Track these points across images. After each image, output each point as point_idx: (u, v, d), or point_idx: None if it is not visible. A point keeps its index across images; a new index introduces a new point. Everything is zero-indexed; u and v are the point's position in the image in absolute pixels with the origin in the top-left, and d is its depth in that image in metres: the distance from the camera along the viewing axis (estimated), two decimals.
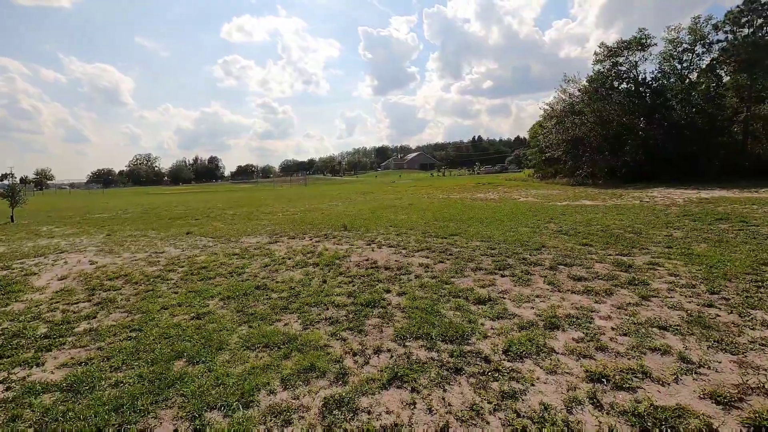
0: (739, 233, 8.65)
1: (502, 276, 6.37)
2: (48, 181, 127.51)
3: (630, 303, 4.90)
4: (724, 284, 5.35)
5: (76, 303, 6.24)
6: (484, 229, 10.72)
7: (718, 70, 29.18)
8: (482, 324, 4.55)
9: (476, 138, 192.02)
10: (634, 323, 4.30)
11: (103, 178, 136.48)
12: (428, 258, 7.81)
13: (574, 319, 4.49)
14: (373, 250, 8.79)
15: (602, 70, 31.23)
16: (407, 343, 4.19)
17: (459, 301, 5.32)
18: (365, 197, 25.87)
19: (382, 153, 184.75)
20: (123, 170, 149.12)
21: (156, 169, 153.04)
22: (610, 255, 7.30)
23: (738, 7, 27.14)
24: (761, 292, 4.98)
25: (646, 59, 30.04)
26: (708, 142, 27.03)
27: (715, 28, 28.18)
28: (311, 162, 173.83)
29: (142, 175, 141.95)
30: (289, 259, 8.38)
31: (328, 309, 5.40)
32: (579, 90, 32.67)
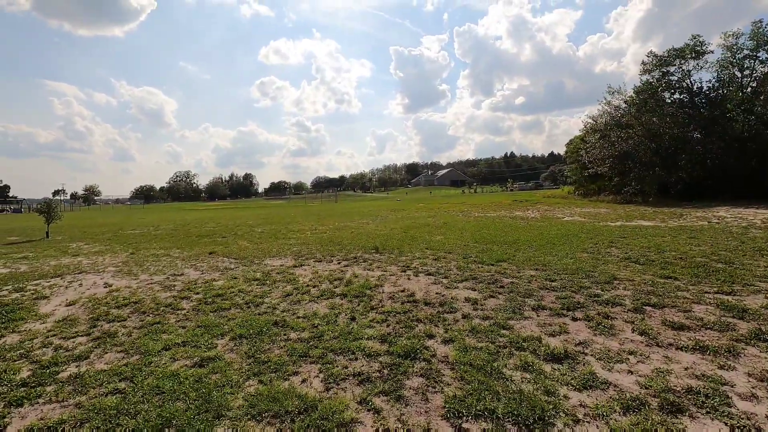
0: None
1: (574, 319, 5.09)
2: (95, 197, 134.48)
3: None
4: None
5: (73, 337, 5.45)
6: (535, 254, 9.39)
7: None
8: (566, 397, 3.33)
9: (508, 154, 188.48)
10: None
11: (144, 194, 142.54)
12: (475, 290, 6.61)
13: (702, 398, 3.19)
14: (408, 278, 7.67)
15: (651, 80, 29.17)
16: (465, 425, 3.03)
17: (525, 355, 4.11)
18: (396, 214, 24.83)
19: (412, 170, 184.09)
20: (164, 186, 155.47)
21: (194, 185, 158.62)
22: (707, 293, 5.86)
23: None
24: None
25: (701, 68, 27.83)
26: None
27: None
28: (342, 179, 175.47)
29: (180, 191, 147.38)
30: (314, 287, 7.38)
31: (357, 359, 4.33)
32: (625, 102, 30.66)
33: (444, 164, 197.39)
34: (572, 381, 3.57)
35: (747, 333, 4.34)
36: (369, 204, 46.56)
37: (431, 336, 4.79)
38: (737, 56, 27.11)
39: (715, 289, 6.02)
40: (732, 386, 3.34)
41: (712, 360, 3.82)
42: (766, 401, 3.12)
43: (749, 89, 27.21)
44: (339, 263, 9.48)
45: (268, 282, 7.92)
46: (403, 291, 6.79)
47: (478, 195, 63.21)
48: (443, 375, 3.84)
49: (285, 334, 5.15)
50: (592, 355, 4.07)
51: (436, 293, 6.56)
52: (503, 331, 4.78)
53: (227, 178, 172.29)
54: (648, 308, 5.33)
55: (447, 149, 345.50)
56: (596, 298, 5.81)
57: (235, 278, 8.40)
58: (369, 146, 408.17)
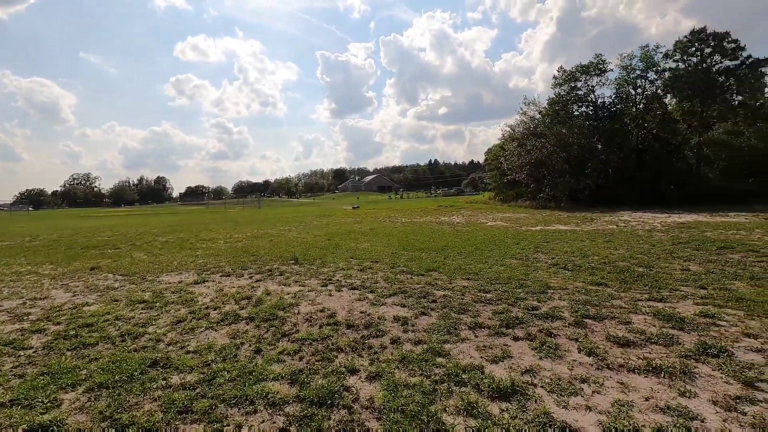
0: (765, 266, 7.38)
1: (515, 339, 4.50)
2: None
3: (737, 397, 3.15)
4: None
5: None
6: (465, 261, 8.93)
7: (669, 97, 30.10)
8: None
9: (432, 161, 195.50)
10: None
11: (32, 199, 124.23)
12: (405, 307, 5.83)
13: None
14: (330, 294, 6.69)
15: (562, 93, 31.36)
16: None
17: (467, 393, 3.37)
18: (322, 221, 23.67)
19: (339, 175, 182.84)
20: (57, 190, 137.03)
21: (96, 189, 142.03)
22: (640, 301, 5.66)
23: (686, 36, 28.21)
24: None
25: (603, 84, 30.50)
26: (665, 166, 27.39)
27: (666, 56, 29.12)
28: (267, 183, 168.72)
29: (79, 195, 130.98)
30: (215, 309, 6.11)
31: (256, 411, 3.29)
32: (540, 113, 32.63)
33: (371, 170, 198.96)
34: (526, 427, 2.87)
35: (693, 347, 4.03)
36: (294, 210, 44.68)
37: (354, 371, 3.88)
38: (631, 75, 30.14)
39: (646, 296, 5.86)
40: (702, 421, 2.86)
41: (670, 385, 3.37)
42: None
43: (641, 105, 30.35)
44: (251, 278, 8.21)
45: (157, 305, 6.46)
46: (322, 311, 5.80)
47: (404, 201, 63.93)
48: (368, 429, 2.95)
49: (165, 379, 3.93)
50: (542, 386, 3.44)
51: (361, 312, 5.67)
52: (439, 360, 4.02)
53: (136, 182, 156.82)
54: (588, 321, 4.93)
55: (374, 155, 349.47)
56: (535, 312, 5.32)
57: (116, 301, 6.80)
58: (295, 151, 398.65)
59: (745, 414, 2.92)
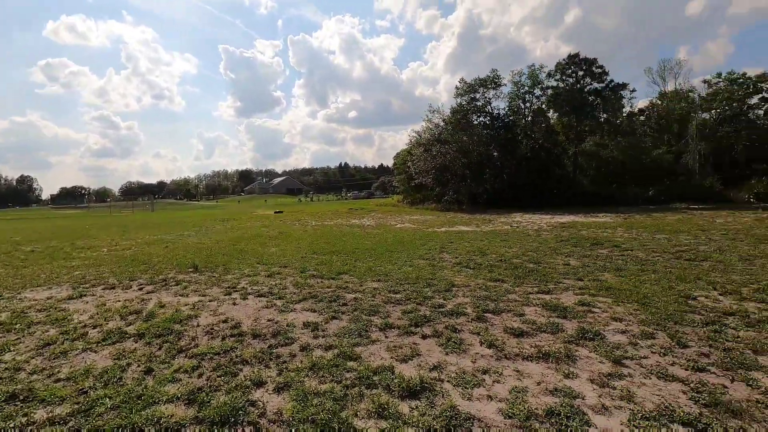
0: (625, 259, 8.65)
1: (424, 337, 4.64)
2: None
3: (609, 374, 3.60)
4: (681, 330, 4.51)
5: None
6: (376, 263, 9.04)
7: (551, 112, 34.03)
8: None
9: (343, 164, 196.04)
10: (645, 417, 2.93)
11: None
12: (315, 312, 5.69)
13: (564, 420, 2.93)
14: (234, 303, 6.27)
15: (463, 103, 33.63)
16: None
17: (378, 395, 3.37)
18: (226, 225, 22.25)
19: (245, 177, 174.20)
20: None
21: None
22: (531, 294, 6.24)
23: (564, 60, 32.20)
24: (726, 339, 4.22)
25: (498, 97, 33.40)
26: (549, 173, 30.87)
27: (548, 75, 32.94)
28: (162, 185, 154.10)
29: None
30: (96, 327, 5.34)
31: None
32: (444, 120, 34.58)
33: (280, 172, 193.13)
34: (435, 423, 2.95)
35: (574, 334, 4.54)
36: (194, 214, 41.38)
37: (260, 383, 3.66)
38: (521, 91, 33.51)
39: (536, 289, 6.48)
40: (583, 398, 3.22)
41: (557, 368, 3.74)
42: (615, 411, 3.04)
43: (529, 118, 33.88)
44: (141, 289, 7.35)
45: (17, 326, 5.46)
46: (226, 321, 5.40)
47: (314, 203, 63.09)
48: None
49: (26, 415, 3.31)
50: (449, 381, 3.59)
51: (269, 320, 5.40)
52: (350, 363, 3.98)
53: None
54: (489, 315, 5.29)
55: (283, 157, 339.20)
56: (441, 309, 5.56)
57: None
58: (195, 149, 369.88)
59: (615, 389, 3.35)
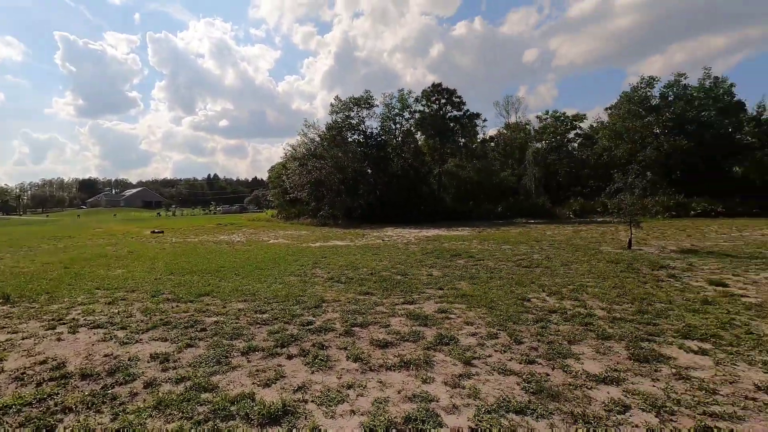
0: (478, 268, 9.71)
1: (289, 357, 4.47)
2: None
3: (460, 375, 3.92)
4: (518, 329, 5.19)
5: None
6: (243, 282, 8.49)
7: (419, 134, 36.96)
8: None
9: (212, 176, 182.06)
10: (487, 411, 3.26)
11: None
12: (167, 341, 5.05)
13: (420, 425, 3.08)
14: (59, 339, 5.20)
15: (338, 120, 34.33)
16: None
17: (234, 427, 3.11)
18: (59, 244, 18.59)
19: (88, 187, 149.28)
20: None
21: None
22: (397, 305, 6.54)
23: (429, 88, 35.40)
24: (550, 333, 4.99)
25: (371, 117, 34.97)
26: (417, 190, 33.29)
27: (416, 100, 35.81)
28: None
29: None
30: None
31: None
32: (319, 136, 34.75)
33: (135, 182, 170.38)
34: None
35: (433, 339, 4.87)
36: (14, 231, 33.72)
37: None
38: (392, 112, 35.71)
39: (402, 299, 6.83)
40: (438, 401, 3.44)
41: (416, 375, 3.95)
42: (464, 409, 3.31)
43: (400, 138, 36.23)
44: None
45: None
46: (44, 362, 4.44)
47: (177, 218, 57.01)
48: None
49: None
50: (313, 401, 3.49)
51: (106, 355, 4.60)
52: (205, 395, 3.60)
53: None
54: (356, 329, 5.36)
55: (139, 165, 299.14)
56: (309, 327, 5.45)
57: None
58: (18, 152, 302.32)
59: (464, 388, 3.67)
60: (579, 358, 4.26)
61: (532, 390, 3.58)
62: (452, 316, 5.87)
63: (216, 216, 61.73)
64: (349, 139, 34.74)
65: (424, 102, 35.70)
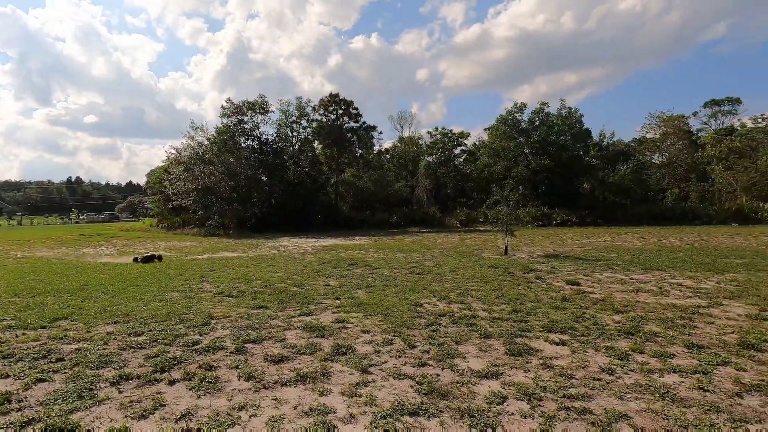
0: (374, 277, 9.95)
1: (171, 383, 4.04)
2: None
3: (357, 384, 3.96)
4: (411, 333, 5.42)
5: None
6: (113, 301, 7.45)
7: (317, 143, 36.77)
8: None
9: (74, 179, 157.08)
10: (383, 416, 3.34)
11: None
12: (9, 377, 4.19)
13: None
14: None
15: (229, 124, 32.44)
16: None
17: None
18: None
19: None
20: None
21: None
22: (293, 317, 6.36)
23: (327, 97, 35.53)
24: (440, 335, 5.32)
25: (266, 122, 33.77)
26: (314, 199, 32.99)
27: (313, 109, 35.63)
28: None
29: None
30: None
31: None
32: (208, 139, 32.40)
33: None
34: None
35: (330, 350, 4.84)
36: None
37: None
38: (289, 120, 34.98)
39: (299, 312, 6.66)
40: (335, 412, 3.42)
41: (313, 388, 3.89)
42: (360, 417, 3.35)
43: (297, 146, 35.62)
44: None
45: None
46: None
47: (24, 228, 47.94)
48: None
49: None
50: (199, 428, 3.20)
51: None
52: None
53: None
54: (249, 345, 5.07)
55: None
56: (195, 347, 5.00)
57: None
58: None
59: (361, 396, 3.71)
60: (465, 357, 4.62)
61: (424, 391, 3.77)
62: (349, 325, 5.91)
63: (78, 225, 53.43)
64: (243, 145, 33.08)
65: (321, 111, 35.74)
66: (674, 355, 4.62)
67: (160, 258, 14.05)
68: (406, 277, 9.90)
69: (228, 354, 4.80)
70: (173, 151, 33.78)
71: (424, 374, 4.15)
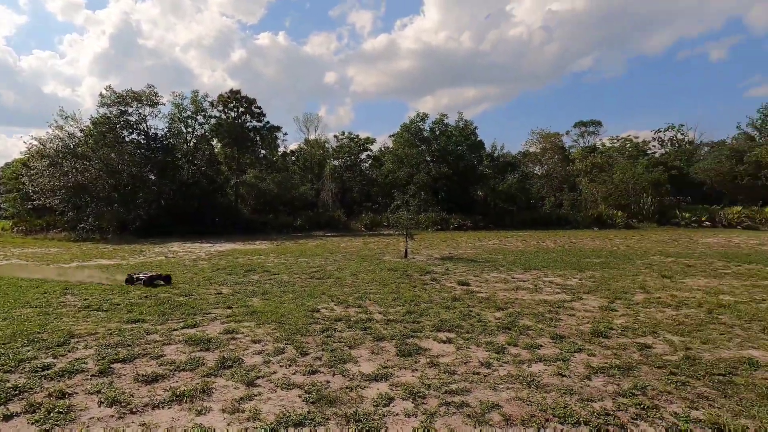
0: (272, 283, 9.56)
1: (7, 417, 3.38)
2: None
3: (241, 398, 3.71)
4: (305, 341, 5.28)
5: None
6: None
7: (216, 141, 34.39)
8: None
9: None
10: (265, 430, 3.17)
11: None
12: None
13: None
14: None
15: (109, 115, 28.73)
16: None
17: None
18: None
19: None
20: None
21: None
22: (175, 330, 5.79)
23: (227, 93, 33.45)
24: (334, 341, 5.27)
25: (156, 116, 30.58)
26: (211, 201, 30.74)
27: (211, 105, 33.22)
28: None
29: None
30: None
31: None
32: (81, 131, 28.31)
33: None
34: None
35: (214, 364, 4.50)
36: None
37: None
38: (183, 114, 32.18)
39: (182, 324, 6.09)
40: (214, 431, 3.17)
41: (190, 408, 3.56)
42: None
43: (192, 144, 32.92)
44: None
45: None
46: None
47: None
48: None
49: None
50: None
51: None
52: None
53: None
54: (117, 365, 4.48)
55: None
56: (46, 372, 4.27)
57: None
58: None
59: (244, 411, 3.50)
60: (357, 361, 4.64)
61: (312, 400, 3.68)
62: (239, 335, 5.57)
63: None
64: (127, 139, 29.56)
65: (220, 108, 33.50)
66: (541, 345, 5.19)
67: (168, 279, 9.63)
68: (306, 282, 9.70)
69: (89, 377, 4.18)
70: (35, 143, 28.88)
71: (314, 382, 4.06)
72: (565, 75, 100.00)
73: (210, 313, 6.80)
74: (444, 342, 5.32)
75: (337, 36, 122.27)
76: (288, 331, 5.68)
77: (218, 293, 8.38)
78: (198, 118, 32.90)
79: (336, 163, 45.26)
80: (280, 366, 4.50)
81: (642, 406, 3.56)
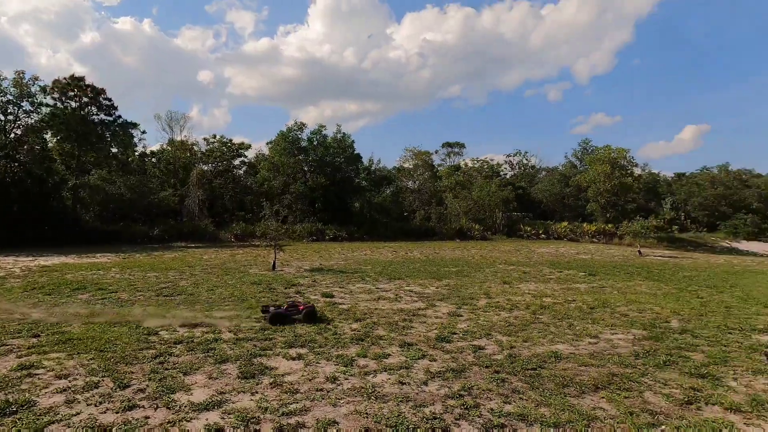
0: (105, 303, 8.20)
1: None
2: None
3: None
4: (130, 370, 4.56)
5: None
6: None
7: (50, 134, 28.70)
8: None
9: None
10: None
11: None
12: None
13: None
14: None
15: None
16: None
17: None
18: None
19: None
20: None
21: None
22: None
23: (66, 79, 28.28)
24: (167, 368, 4.65)
25: None
26: (39, 206, 25.43)
27: (44, 91, 27.65)
28: None
29: None
30: None
31: None
32: None
33: None
34: None
35: None
36: None
37: None
38: (2, 99, 26.18)
39: None
40: None
41: None
42: None
43: (13, 135, 26.95)
44: None
45: None
46: None
47: None
48: None
49: None
50: None
51: None
52: None
53: None
54: None
55: None
56: None
57: None
58: None
59: None
60: (190, 389, 4.17)
61: None
62: (40, 371, 4.57)
63: None
64: None
65: (56, 95, 28.15)
66: (390, 354, 5.36)
67: (311, 313, 7.05)
68: (150, 300, 8.56)
69: None
70: None
71: (127, 420, 3.50)
72: (436, 99, 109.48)
73: (5, 344, 5.47)
74: (293, 359, 5.13)
75: (215, 33, 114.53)
76: (109, 361, 4.86)
77: (22, 319, 6.83)
78: (23, 104, 27.12)
79: (205, 167, 41.79)
80: (88, 404, 3.79)
81: (466, 406, 3.88)
